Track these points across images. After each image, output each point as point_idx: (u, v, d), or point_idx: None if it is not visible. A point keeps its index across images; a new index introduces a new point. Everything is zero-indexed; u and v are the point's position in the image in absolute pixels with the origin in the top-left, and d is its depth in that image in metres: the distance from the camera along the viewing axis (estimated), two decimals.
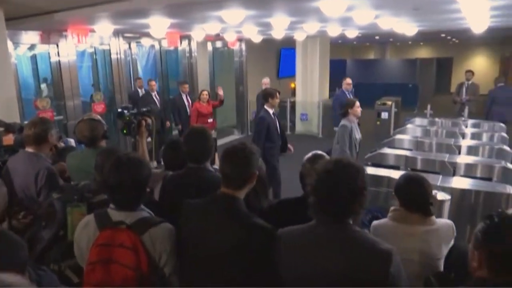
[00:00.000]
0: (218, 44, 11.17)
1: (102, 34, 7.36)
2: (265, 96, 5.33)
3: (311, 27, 7.40)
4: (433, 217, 2.25)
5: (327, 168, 1.55)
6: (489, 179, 4.57)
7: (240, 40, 11.26)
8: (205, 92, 7.37)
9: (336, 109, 7.92)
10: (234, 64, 11.70)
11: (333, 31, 8.24)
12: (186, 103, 7.91)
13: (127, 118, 3.07)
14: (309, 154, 2.34)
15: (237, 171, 1.78)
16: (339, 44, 17.64)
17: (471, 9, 4.54)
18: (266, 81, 8.94)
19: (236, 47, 11.47)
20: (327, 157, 2.27)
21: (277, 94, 5.39)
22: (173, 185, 2.43)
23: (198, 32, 8.16)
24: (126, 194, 1.79)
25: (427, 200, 2.20)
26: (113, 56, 8.11)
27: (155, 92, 7.83)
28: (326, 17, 5.46)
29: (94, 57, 8.56)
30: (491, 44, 18.14)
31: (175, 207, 1.97)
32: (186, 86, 8.06)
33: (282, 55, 13.90)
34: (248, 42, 11.17)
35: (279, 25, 6.44)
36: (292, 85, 12.60)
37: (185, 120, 7.86)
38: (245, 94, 11.72)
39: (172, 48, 9.83)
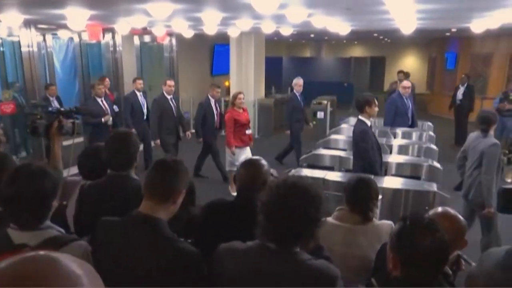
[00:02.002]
0: (146, 38, 10.87)
1: (10, 24, 6.82)
2: (361, 103, 4.46)
3: (244, 23, 7.47)
4: (374, 219, 2.44)
5: (279, 191, 1.50)
6: (418, 177, 4.93)
7: (170, 34, 11.04)
8: (241, 95, 6.19)
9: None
10: (164, 60, 11.46)
11: (267, 28, 8.39)
12: (141, 102, 7.48)
13: (39, 117, 2.86)
14: (246, 160, 2.36)
15: (165, 181, 1.73)
16: (274, 41, 17.98)
17: (398, 11, 4.88)
18: (300, 83, 7.92)
19: (165, 42, 11.23)
20: (263, 162, 2.30)
21: (375, 100, 4.55)
22: (91, 197, 2.32)
23: (123, 25, 7.87)
24: (25, 210, 1.63)
25: (367, 205, 2.35)
26: (24, 49, 7.54)
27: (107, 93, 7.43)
28: (259, 14, 5.55)
29: (1, 49, 7.91)
30: (420, 45, 19.63)
31: (94, 222, 1.87)
32: (140, 81, 7.53)
33: (215, 52, 13.87)
34: (179, 37, 11.00)
35: (211, 20, 6.42)
36: (227, 83, 12.61)
37: (140, 122, 7.33)
38: (176, 92, 11.49)
39: (94, 41, 9.37)
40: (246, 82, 11.23)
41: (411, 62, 20.81)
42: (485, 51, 13.23)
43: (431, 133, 6.80)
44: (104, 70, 9.83)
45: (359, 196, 2.39)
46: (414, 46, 20.17)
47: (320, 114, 10.45)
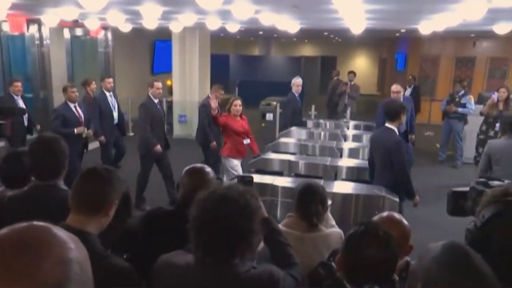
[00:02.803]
0: (78, 31, 10.48)
1: None
2: (397, 111, 4.25)
3: (187, 18, 7.43)
4: (321, 226, 2.52)
5: (206, 204, 1.51)
6: (369, 181, 5.15)
7: (105, 28, 10.73)
8: (238, 102, 5.90)
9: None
10: (99, 56, 11.11)
11: (213, 24, 8.40)
12: (112, 104, 7.12)
13: None
14: (189, 167, 2.37)
15: (95, 191, 1.70)
16: (221, 38, 17.99)
17: (347, 10, 5.09)
18: (298, 82, 7.77)
19: (100, 36, 10.90)
20: (208, 170, 2.31)
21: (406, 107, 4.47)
22: (12, 210, 2.21)
23: (50, 17, 7.54)
24: None
25: (313, 212, 2.44)
26: None
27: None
28: (203, 9, 5.55)
29: None
30: (370, 45, 20.52)
31: None
32: (110, 80, 7.18)
33: (156, 48, 13.67)
34: (116, 31, 10.71)
35: (150, 14, 6.33)
36: (169, 83, 12.46)
37: (110, 128, 7.03)
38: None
39: (16, 34, 8.90)
40: (190, 81, 11.16)
41: (362, 63, 21.68)
42: (433, 53, 14.09)
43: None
44: (29, 66, 9.35)
45: (305, 202, 2.46)
46: (365, 46, 21.04)
47: (269, 116, 10.60)
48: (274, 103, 10.83)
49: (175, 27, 9.60)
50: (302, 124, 7.96)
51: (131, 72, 12.56)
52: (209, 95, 6.85)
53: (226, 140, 5.90)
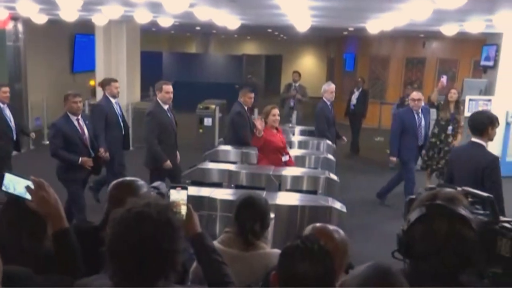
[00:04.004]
0: None
1: None
2: (484, 124, 4.12)
3: (112, 10, 7.31)
4: (261, 243, 2.55)
5: (121, 225, 1.49)
6: (315, 191, 5.31)
7: (14, 19, 10.27)
8: (277, 111, 5.65)
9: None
10: (7, 50, 10.60)
11: (142, 17, 8.32)
12: (118, 112, 6.59)
13: None
14: (118, 180, 2.35)
15: None
16: (153, 33, 17.77)
17: (289, 6, 5.25)
18: (331, 89, 7.49)
19: (8, 28, 10.40)
20: (140, 183, 2.29)
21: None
22: None
23: None
24: None
25: (248, 228, 2.47)
26: None
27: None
28: (129, 0, 5.50)
29: None
30: (318, 44, 21.13)
31: None
32: (117, 85, 6.63)
33: (77, 43, 13.27)
34: (28, 23, 10.29)
35: (68, 4, 6.16)
36: (92, 83, 12.14)
37: (118, 142, 6.49)
38: (24, 93, 10.72)
39: None
40: None
41: (310, 62, 22.27)
42: (382, 53, 14.78)
43: (329, 141, 7.36)
44: None
45: (242, 217, 2.49)
46: (312, 44, 21.64)
47: (208, 121, 10.60)
48: (213, 106, 10.84)
49: (99, 19, 9.39)
50: (338, 137, 7.80)
51: (46, 70, 12.10)
52: (239, 100, 6.72)
53: (262, 157, 5.71)
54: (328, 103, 7.47)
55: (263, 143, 5.50)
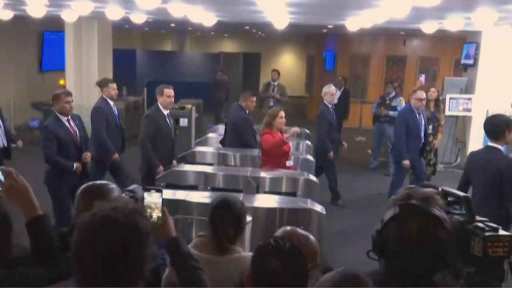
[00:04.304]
0: None
1: None
2: (501, 127, 4.06)
3: (82, 6, 7.26)
4: (236, 247, 2.56)
5: (87, 230, 1.48)
6: (294, 193, 5.35)
7: None
8: (283, 113, 5.73)
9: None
10: None
11: (113, 13, 8.27)
12: (116, 114, 6.53)
13: None
14: (86, 184, 2.34)
15: None
16: (126, 30, 17.64)
17: (266, 3, 5.28)
18: (332, 91, 7.43)
19: None
20: (111, 186, 2.28)
21: None
22: None
23: None
24: None
25: (222, 231, 2.48)
26: None
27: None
28: None
29: None
30: (297, 42, 21.25)
31: None
32: (114, 86, 6.57)
33: (45, 40, 13.09)
34: None
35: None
36: (62, 82, 11.97)
37: (117, 144, 6.38)
38: None
39: None
40: (87, 81, 10.80)
41: (289, 60, 22.37)
42: (363, 51, 14.95)
43: (308, 142, 7.41)
44: None
45: (216, 220, 2.50)
46: (291, 42, 21.75)
47: (184, 121, 10.55)
48: (189, 106, 10.81)
49: (68, 16, 9.28)
50: (340, 142, 7.70)
51: (13, 69, 11.90)
52: (240, 104, 6.66)
53: (266, 161, 5.71)
54: (329, 106, 7.39)
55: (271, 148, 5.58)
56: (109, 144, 6.16)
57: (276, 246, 1.68)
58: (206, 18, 8.37)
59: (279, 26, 8.31)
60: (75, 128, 5.34)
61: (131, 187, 2.46)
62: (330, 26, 11.95)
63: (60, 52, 11.20)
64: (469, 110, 9.31)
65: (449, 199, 2.05)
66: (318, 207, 4.64)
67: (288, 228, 2.08)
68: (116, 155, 6.10)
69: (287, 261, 1.64)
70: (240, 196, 4.62)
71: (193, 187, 5.33)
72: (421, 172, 6.82)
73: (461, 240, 1.71)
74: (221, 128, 8.48)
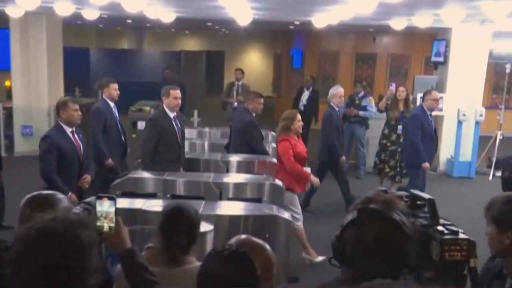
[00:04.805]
0: None
1: None
2: None
3: (28, 0, 7.13)
4: (190, 258, 2.53)
5: (24, 241, 1.48)
6: (259, 199, 5.37)
7: None
8: (299, 115, 5.72)
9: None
10: None
11: (63, 8, 8.17)
12: (116, 117, 6.50)
13: None
14: (30, 194, 2.31)
15: None
16: (78, 27, 17.39)
17: None
18: (340, 92, 7.32)
19: None
20: (59, 197, 2.25)
21: None
22: None
23: None
24: None
25: (174, 241, 2.46)
26: None
27: None
28: None
29: None
30: (263, 39, 21.38)
31: None
32: (116, 86, 6.49)
33: None
34: None
35: None
36: (7, 84, 11.74)
37: (117, 148, 6.43)
38: None
39: None
40: (36, 81, 10.63)
41: (255, 59, 22.47)
42: (331, 49, 15.15)
43: (273, 144, 7.45)
44: None
45: (166, 230, 2.48)
46: (257, 40, 21.87)
47: (142, 125, 10.42)
48: (148, 108, 10.74)
49: (13, 11, 9.11)
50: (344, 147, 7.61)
51: None
52: (246, 107, 6.55)
53: (281, 169, 5.68)
54: (337, 109, 7.35)
55: (291, 152, 5.56)
56: (102, 147, 6.14)
57: (222, 251, 1.72)
58: (164, 14, 8.34)
59: (243, 23, 8.36)
60: (79, 142, 5.13)
61: (88, 199, 2.44)
62: (297, 23, 12.08)
63: (5, 50, 10.95)
64: (440, 109, 9.55)
65: (418, 202, 2.11)
66: (285, 214, 4.67)
67: (243, 236, 2.10)
68: (110, 160, 6.04)
69: (231, 266, 1.68)
70: (202, 204, 4.62)
71: (152, 195, 5.28)
72: (418, 180, 6.87)
73: (424, 244, 1.76)
74: (188, 131, 8.41)
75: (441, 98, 9.50)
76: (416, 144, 6.78)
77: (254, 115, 6.51)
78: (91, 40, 21.53)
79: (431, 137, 6.84)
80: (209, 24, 15.60)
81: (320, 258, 5.62)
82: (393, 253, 1.54)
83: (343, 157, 7.13)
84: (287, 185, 5.59)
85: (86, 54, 19.06)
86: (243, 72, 11.00)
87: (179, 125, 5.94)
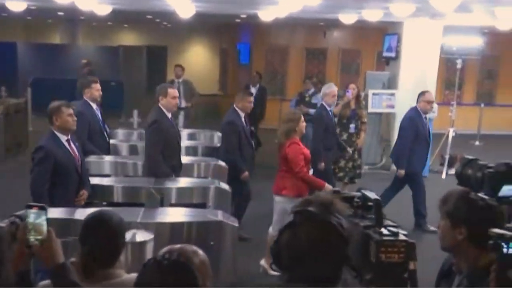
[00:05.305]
0: None
1: None
2: None
3: None
4: (116, 270, 2.44)
5: None
6: (204, 204, 5.38)
7: None
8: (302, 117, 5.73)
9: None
10: None
11: None
12: (100, 119, 6.36)
13: None
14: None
15: None
16: (3, 19, 16.89)
17: None
18: (334, 91, 7.29)
19: None
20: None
21: None
22: None
23: None
24: None
25: (95, 254, 2.38)
26: None
27: None
28: None
29: None
30: (208, 33, 21.34)
31: None
32: (98, 87, 6.32)
33: None
34: None
35: None
36: None
37: (105, 151, 6.38)
38: None
39: None
40: None
41: (200, 54, 22.39)
42: (280, 43, 15.30)
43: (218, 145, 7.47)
44: None
45: (87, 241, 2.40)
46: (202, 33, 21.79)
47: None
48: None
49: None
50: (340, 149, 7.55)
51: None
52: (235, 107, 6.55)
53: (284, 173, 5.64)
54: (329, 108, 7.33)
55: (302, 156, 5.53)
56: (94, 150, 6.11)
57: (160, 261, 1.73)
58: (98, 6, 8.20)
59: (184, 15, 8.32)
60: (76, 152, 4.86)
61: (21, 212, 2.34)
62: (243, 16, 12.13)
63: None
64: (392, 106, 9.83)
65: (369, 203, 2.17)
66: (231, 219, 4.71)
67: (177, 246, 2.10)
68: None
69: (171, 276, 1.70)
70: (141, 211, 4.59)
71: (87, 203, 5.19)
72: (420, 186, 7.02)
73: (364, 245, 1.82)
74: (122, 133, 8.32)
75: (393, 95, 9.82)
76: (401, 146, 6.97)
77: (243, 115, 6.56)
78: (19, 34, 20.91)
79: (425, 141, 6.99)
80: (149, 17, 15.45)
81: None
82: (328, 257, 1.59)
83: (322, 164, 6.96)
84: (296, 191, 5.50)
85: (13, 49, 18.50)
86: (183, 69, 10.87)
87: (176, 126, 6.03)
